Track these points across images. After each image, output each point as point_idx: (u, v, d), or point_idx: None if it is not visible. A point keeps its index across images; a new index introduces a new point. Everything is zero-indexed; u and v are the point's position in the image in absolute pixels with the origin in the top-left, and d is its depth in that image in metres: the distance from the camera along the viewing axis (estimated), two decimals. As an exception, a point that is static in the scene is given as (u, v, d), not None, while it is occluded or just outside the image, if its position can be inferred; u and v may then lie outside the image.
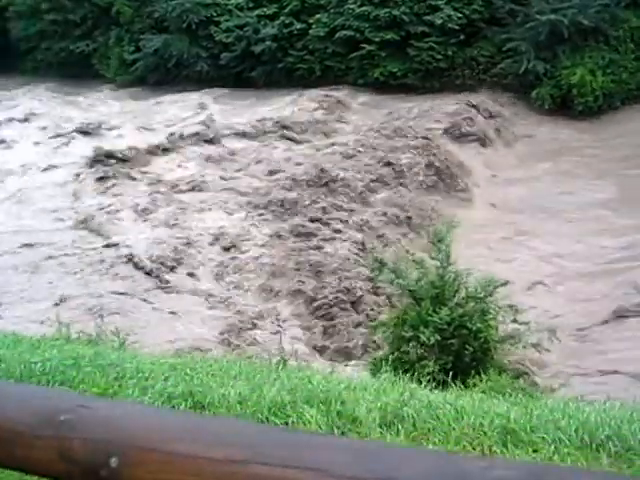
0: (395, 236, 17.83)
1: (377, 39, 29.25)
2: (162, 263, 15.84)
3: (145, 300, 14.57)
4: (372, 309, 14.40)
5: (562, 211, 19.96)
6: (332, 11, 30.26)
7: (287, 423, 4.64)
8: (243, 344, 12.93)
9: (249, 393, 5.05)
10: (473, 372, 8.89)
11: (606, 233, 18.50)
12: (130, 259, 15.92)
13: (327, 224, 17.71)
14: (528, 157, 23.89)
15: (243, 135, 23.62)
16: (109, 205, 19.05)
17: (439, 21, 28.62)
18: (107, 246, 16.71)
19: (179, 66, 32.50)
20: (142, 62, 33.02)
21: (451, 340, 9.59)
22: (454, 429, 4.60)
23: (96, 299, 14.23)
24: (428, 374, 8.06)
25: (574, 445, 4.46)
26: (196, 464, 1.27)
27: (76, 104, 28.99)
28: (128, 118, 26.19)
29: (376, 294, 14.76)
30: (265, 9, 31.44)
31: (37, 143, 23.62)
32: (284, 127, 24.25)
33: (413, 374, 7.26)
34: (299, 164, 21.18)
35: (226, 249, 16.72)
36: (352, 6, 29.52)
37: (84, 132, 23.98)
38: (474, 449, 4.42)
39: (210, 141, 23.06)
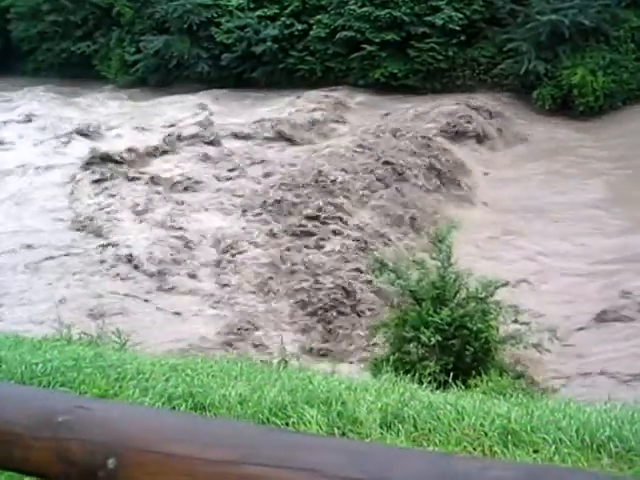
0: (395, 236, 17.84)
1: (378, 40, 29.27)
2: (161, 264, 15.87)
3: (145, 301, 14.59)
4: (370, 309, 14.40)
5: (555, 211, 19.97)
6: (333, 12, 30.29)
7: (288, 424, 4.64)
8: (243, 345, 12.94)
9: (250, 394, 5.05)
10: (474, 372, 8.89)
11: (599, 234, 18.52)
12: (129, 260, 15.95)
13: (326, 224, 17.72)
14: (529, 157, 23.89)
15: (241, 136, 23.63)
16: (108, 206, 19.08)
17: (440, 22, 28.64)
18: (106, 247, 16.75)
19: (180, 67, 32.53)
20: (143, 63, 33.06)
21: (452, 340, 9.59)
22: (455, 430, 4.60)
23: (96, 300, 14.26)
24: (429, 374, 8.04)
25: (575, 446, 4.46)
26: (192, 465, 1.28)
27: (76, 105, 29.02)
28: (127, 119, 26.22)
29: (376, 295, 14.76)
30: (266, 10, 31.47)
31: (36, 144, 23.65)
32: (282, 128, 24.25)
33: (414, 374, 7.25)
34: (297, 165, 21.21)
35: (225, 250, 16.73)
36: (353, 7, 29.54)
37: (83, 133, 24.00)
38: (475, 450, 4.42)
39: (208, 142, 23.08)
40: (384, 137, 22.58)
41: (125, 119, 26.20)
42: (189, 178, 20.64)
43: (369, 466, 1.13)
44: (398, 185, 19.98)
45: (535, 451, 4.42)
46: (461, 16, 28.74)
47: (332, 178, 19.67)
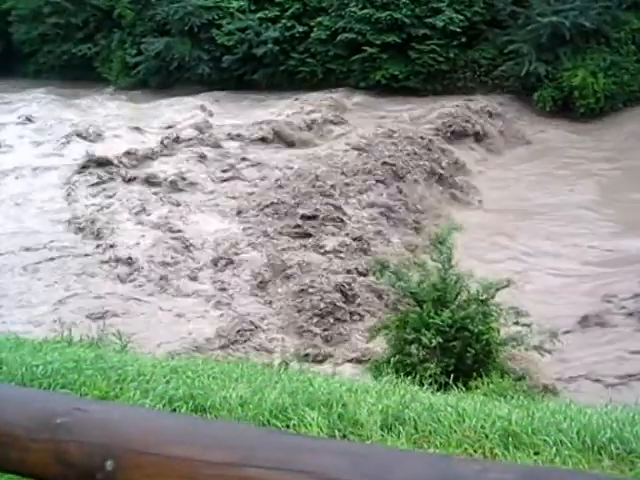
0: (394, 236, 17.85)
1: (378, 42, 29.29)
2: (159, 265, 15.89)
3: (144, 302, 14.59)
4: (368, 310, 14.40)
5: (554, 212, 19.97)
6: (333, 14, 30.30)
7: (288, 426, 4.64)
8: (243, 347, 12.94)
9: (250, 396, 5.05)
10: (475, 374, 8.88)
11: (590, 234, 18.52)
12: (128, 262, 15.97)
13: (324, 225, 17.73)
14: (529, 159, 23.91)
15: (240, 138, 23.63)
16: (106, 207, 19.11)
17: (440, 23, 28.66)
18: (105, 248, 16.76)
19: (181, 69, 32.56)
20: (144, 65, 33.09)
21: (453, 342, 9.58)
22: (455, 432, 4.59)
23: (95, 302, 14.26)
24: (430, 376, 8.04)
25: (576, 447, 4.45)
26: (193, 467, 1.27)
27: (76, 107, 29.03)
28: (126, 121, 26.23)
29: (375, 296, 14.75)
30: (267, 12, 31.49)
31: (35, 145, 23.66)
32: (281, 130, 24.26)
33: (415, 376, 7.25)
34: (296, 166, 21.23)
35: (223, 251, 16.74)
36: (353, 9, 29.56)
37: (82, 135, 24.01)
38: (475, 452, 4.41)
39: (207, 144, 23.09)
40: (383, 138, 22.59)
41: (124, 121, 26.22)
42: (187, 180, 20.67)
43: (370, 468, 1.13)
44: (397, 186, 20.00)
45: (536, 453, 4.41)
46: (462, 18, 28.75)
47: (331, 180, 19.69)
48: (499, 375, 8.95)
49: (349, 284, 15.00)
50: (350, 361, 12.77)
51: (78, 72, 34.50)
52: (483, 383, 8.19)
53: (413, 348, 9.62)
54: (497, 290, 10.24)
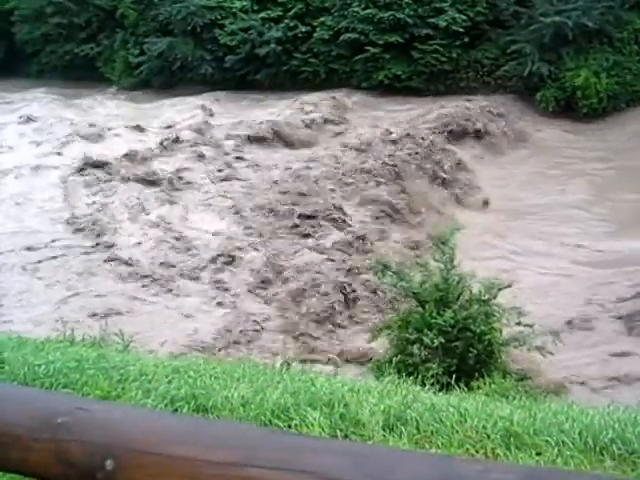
0: (395, 234, 17.87)
1: (381, 42, 29.28)
2: (159, 265, 15.90)
3: (145, 302, 14.61)
4: (368, 310, 14.40)
5: (553, 212, 19.96)
6: (336, 14, 30.30)
7: (290, 426, 4.64)
8: (243, 347, 12.95)
9: (252, 396, 5.05)
10: (477, 375, 8.87)
11: (585, 234, 18.51)
12: (128, 261, 15.99)
13: (325, 224, 17.74)
14: (531, 159, 23.90)
15: (240, 138, 23.63)
16: (107, 206, 19.12)
17: (443, 23, 28.64)
18: (106, 247, 16.78)
19: (184, 69, 32.56)
20: (147, 65, 33.11)
21: (455, 343, 9.58)
22: (457, 432, 4.59)
23: (96, 301, 14.27)
24: (432, 376, 8.03)
25: (578, 448, 4.45)
26: (194, 467, 1.27)
27: (78, 107, 29.04)
28: (127, 121, 26.23)
29: (375, 296, 14.76)
30: (269, 12, 31.49)
31: (36, 145, 23.68)
32: (282, 130, 24.26)
33: (417, 376, 7.24)
34: (296, 166, 21.23)
35: (222, 251, 16.75)
36: (356, 9, 29.55)
37: (82, 135, 24.04)
38: (477, 452, 4.41)
39: (207, 144, 23.11)
40: (384, 138, 22.60)
41: (125, 120, 26.22)
42: (186, 179, 20.69)
43: (371, 468, 1.13)
44: (397, 185, 20.00)
45: (538, 454, 4.40)
46: (465, 18, 28.73)
47: (331, 179, 19.71)
48: (501, 375, 8.95)
49: (350, 284, 15.00)
50: (350, 361, 12.76)
51: (81, 72, 34.52)
52: (485, 383, 8.18)
53: (415, 348, 9.61)
54: (499, 290, 10.23)
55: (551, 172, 22.66)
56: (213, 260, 16.39)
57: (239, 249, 16.85)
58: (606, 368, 12.64)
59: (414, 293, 10.28)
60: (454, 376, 7.96)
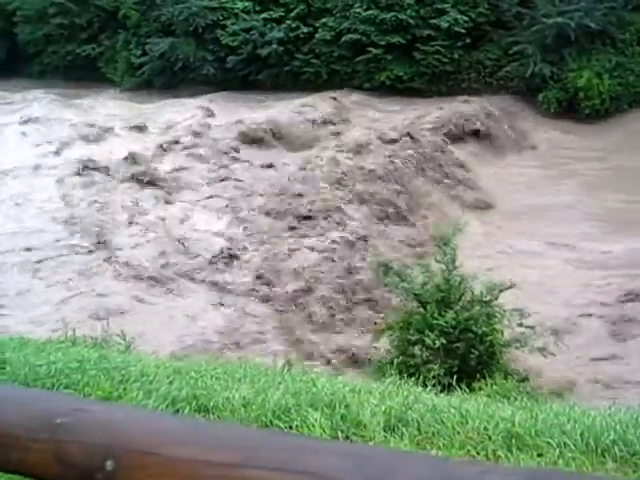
0: (396, 233, 17.89)
1: (383, 43, 29.29)
2: (159, 265, 15.91)
3: (145, 302, 14.61)
4: (367, 311, 14.40)
5: (554, 213, 19.94)
6: (338, 15, 30.30)
7: (291, 427, 4.63)
8: (243, 347, 12.95)
9: (253, 396, 5.04)
10: (479, 376, 8.87)
11: (586, 236, 18.50)
12: (128, 262, 16.00)
13: (325, 224, 17.74)
14: (533, 160, 23.89)
15: (240, 138, 23.63)
16: (106, 207, 19.13)
17: (445, 24, 28.64)
18: (106, 248, 16.78)
19: (185, 69, 32.58)
20: (149, 65, 33.13)
21: (457, 344, 9.57)
22: (459, 433, 4.58)
23: (97, 301, 14.28)
24: (433, 377, 8.03)
25: (579, 449, 4.44)
26: (195, 467, 1.27)
27: (78, 107, 29.04)
28: (128, 121, 26.24)
29: (375, 297, 14.75)
30: (271, 13, 31.50)
31: (36, 145, 23.70)
32: (282, 130, 24.26)
33: (418, 377, 7.24)
34: (295, 166, 21.23)
35: (221, 252, 16.75)
36: (358, 10, 29.56)
37: (83, 135, 24.06)
38: (478, 453, 4.40)
39: (206, 144, 23.11)
40: (385, 138, 22.61)
41: (125, 121, 26.24)
42: (185, 180, 20.70)
43: (372, 470, 1.12)
44: (397, 186, 20.01)
45: (539, 455, 4.40)
46: (466, 19, 28.74)
47: (330, 179, 19.70)
48: (503, 376, 8.94)
49: (350, 285, 15.00)
50: (350, 362, 12.75)
51: (82, 73, 34.54)
52: (487, 384, 8.17)
53: (417, 349, 9.61)
54: (501, 291, 10.23)
55: (552, 173, 22.65)
56: (213, 260, 16.39)
57: (239, 249, 16.85)
58: (595, 369, 12.59)
59: (415, 294, 10.28)
60: (455, 377, 7.96)
